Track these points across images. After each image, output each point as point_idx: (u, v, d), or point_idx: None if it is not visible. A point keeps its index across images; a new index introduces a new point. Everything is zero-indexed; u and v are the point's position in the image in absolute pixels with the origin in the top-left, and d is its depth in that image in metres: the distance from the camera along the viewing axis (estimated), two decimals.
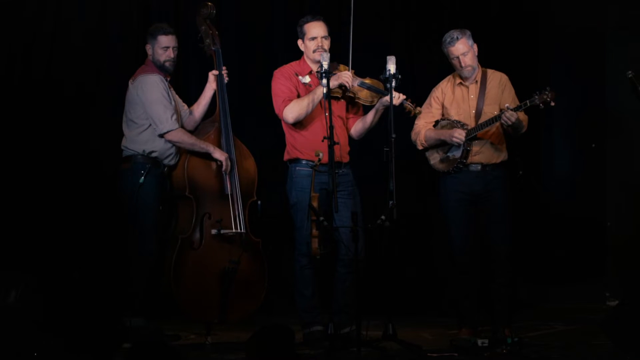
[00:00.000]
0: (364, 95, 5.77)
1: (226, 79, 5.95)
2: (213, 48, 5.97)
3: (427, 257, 7.30)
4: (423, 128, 5.88)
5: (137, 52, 6.29)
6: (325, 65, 5.38)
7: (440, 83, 5.98)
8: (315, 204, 5.35)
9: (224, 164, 5.77)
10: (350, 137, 5.88)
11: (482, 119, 5.72)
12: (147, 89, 5.65)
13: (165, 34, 5.77)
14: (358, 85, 5.74)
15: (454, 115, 5.82)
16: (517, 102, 5.74)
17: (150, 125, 5.68)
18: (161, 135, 5.66)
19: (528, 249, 7.03)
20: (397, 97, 5.54)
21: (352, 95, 5.75)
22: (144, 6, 6.90)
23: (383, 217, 5.21)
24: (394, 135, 5.28)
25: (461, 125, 5.71)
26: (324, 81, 5.38)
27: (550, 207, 7.40)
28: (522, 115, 5.65)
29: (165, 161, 5.73)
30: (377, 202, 5.82)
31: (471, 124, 5.75)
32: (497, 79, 5.86)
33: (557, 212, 7.39)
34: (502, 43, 7.25)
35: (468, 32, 5.79)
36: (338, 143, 5.43)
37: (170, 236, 5.75)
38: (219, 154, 5.78)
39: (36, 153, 6.49)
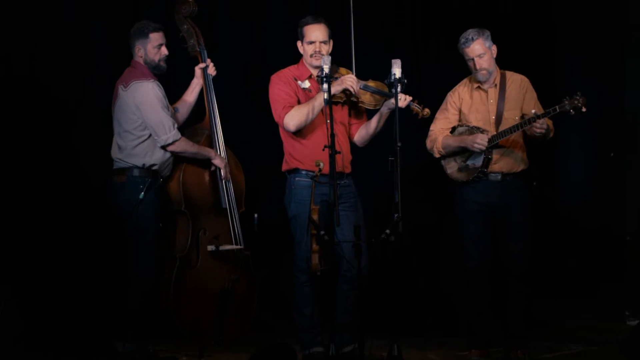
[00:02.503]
0: (367, 99, 5.87)
1: (213, 73, 6.04)
2: (198, 49, 6.06)
3: (435, 274, 7.36)
4: (440, 134, 5.97)
5: (126, 53, 6.32)
6: (326, 69, 5.44)
7: (457, 87, 6.07)
8: (315, 217, 5.43)
9: (222, 172, 5.88)
10: (353, 145, 5.98)
11: (503, 125, 5.82)
12: (144, 98, 5.70)
13: (157, 30, 5.85)
14: (361, 89, 5.84)
15: (472, 121, 5.92)
16: (540, 106, 5.83)
17: (149, 136, 5.75)
18: (164, 147, 5.74)
19: (542, 262, 7.10)
20: (403, 99, 5.63)
21: (355, 99, 5.85)
22: (133, 4, 6.93)
23: (388, 231, 5.25)
24: (399, 144, 5.32)
25: (481, 132, 5.82)
26: (325, 86, 5.43)
27: (566, 218, 7.45)
28: (547, 121, 5.76)
29: (164, 172, 5.84)
30: (381, 215, 5.94)
31: (491, 130, 5.85)
32: (518, 82, 5.96)
33: (573, 224, 7.40)
34: (515, 43, 7.25)
35: (487, 33, 5.90)
36: (340, 152, 5.50)
37: (168, 255, 5.84)
38: (218, 161, 5.91)
39: (16, 160, 6.49)
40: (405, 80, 5.46)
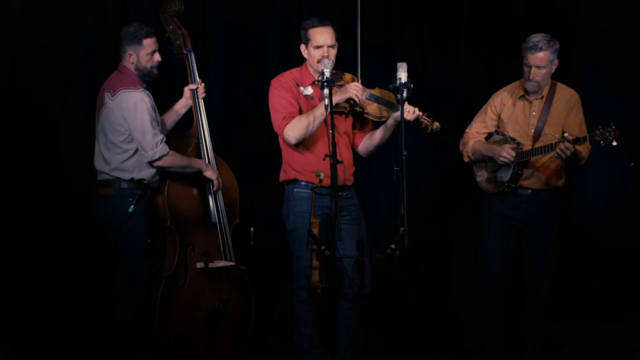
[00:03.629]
0: (372, 110, 5.85)
1: (202, 95, 6.03)
2: (184, 51, 6.04)
3: (444, 291, 7.30)
4: (473, 138, 5.99)
5: (113, 58, 6.32)
6: (327, 73, 5.42)
7: (502, 91, 6.07)
8: (315, 231, 5.42)
9: (215, 184, 5.87)
10: (356, 155, 5.98)
11: (541, 141, 5.82)
12: (133, 110, 5.68)
13: (150, 35, 5.84)
14: (366, 98, 5.82)
15: (509, 131, 5.93)
16: (584, 127, 5.81)
17: (137, 150, 5.72)
18: (150, 163, 5.72)
19: (560, 281, 7.08)
20: (412, 112, 5.63)
21: (360, 109, 5.83)
22: (120, 5, 6.91)
23: (393, 246, 5.24)
24: (405, 153, 5.30)
25: (516, 143, 5.80)
26: (326, 91, 5.41)
27: (584, 234, 7.42)
28: (583, 148, 5.76)
29: (153, 185, 5.82)
30: (385, 228, 5.93)
31: (527, 144, 5.85)
32: (566, 97, 5.96)
33: (592, 240, 7.40)
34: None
35: (557, 46, 5.90)
36: (342, 162, 5.47)
37: (154, 274, 5.82)
38: (210, 172, 5.90)
39: None
40: (412, 85, 5.44)
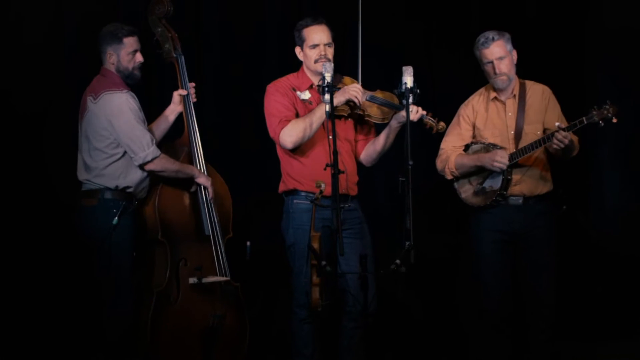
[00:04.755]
0: (374, 112, 5.87)
1: (194, 99, 6.04)
2: (174, 55, 6.05)
3: (451, 309, 7.32)
4: (452, 153, 5.97)
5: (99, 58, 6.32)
6: (328, 77, 5.42)
7: (471, 98, 6.08)
8: (316, 245, 5.41)
9: (209, 190, 5.86)
10: (359, 164, 5.99)
11: (523, 141, 5.82)
12: (118, 111, 5.68)
13: (131, 34, 5.85)
14: (367, 100, 5.83)
15: (488, 137, 5.93)
16: (564, 119, 5.83)
17: (123, 155, 5.73)
18: (141, 166, 5.72)
19: (571, 299, 7.08)
20: (415, 112, 5.64)
21: (361, 112, 5.84)
22: (109, 4, 6.90)
23: (398, 261, 5.21)
24: (411, 162, 5.29)
25: (499, 149, 5.80)
26: (327, 97, 5.41)
27: (601, 248, 7.42)
28: (572, 136, 5.74)
29: (139, 195, 5.83)
30: (390, 242, 5.92)
31: (510, 147, 5.85)
32: (539, 93, 5.97)
33: (609, 255, 7.40)
34: (541, 48, 7.29)
35: (507, 35, 5.92)
36: (344, 172, 5.45)
37: (143, 290, 5.83)
38: (203, 179, 5.91)
39: None
40: (418, 91, 5.44)
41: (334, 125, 5.44)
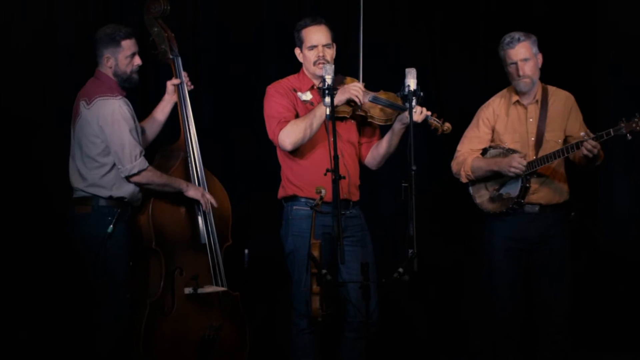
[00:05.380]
0: (377, 114, 5.85)
1: (190, 87, 6.03)
2: (171, 56, 6.05)
3: (457, 319, 7.35)
4: (469, 156, 5.97)
5: (94, 62, 6.31)
6: (329, 79, 5.42)
7: (491, 100, 6.08)
8: (316, 253, 5.38)
9: (202, 203, 5.86)
10: (363, 168, 5.97)
11: (544, 149, 5.83)
12: (110, 119, 5.66)
13: (129, 37, 5.82)
14: (370, 101, 5.83)
15: (508, 142, 5.93)
16: (586, 129, 5.82)
17: (114, 165, 5.71)
18: (127, 178, 5.71)
19: (582, 308, 7.06)
20: (419, 112, 5.63)
21: (363, 114, 5.84)
22: (101, 3, 6.91)
23: (401, 269, 5.19)
24: (414, 167, 5.28)
25: (523, 156, 5.80)
26: (327, 100, 5.41)
27: (611, 255, 7.41)
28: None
29: (134, 203, 5.82)
30: (393, 250, 5.92)
31: (529, 154, 5.85)
32: (562, 99, 5.98)
33: (619, 262, 7.39)
34: (550, 50, 7.26)
35: (534, 38, 5.94)
36: (345, 177, 5.46)
37: (137, 300, 5.81)
38: (193, 192, 5.89)
39: None
40: (422, 93, 5.44)
41: (335, 130, 5.43)
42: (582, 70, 7.43)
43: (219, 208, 5.98)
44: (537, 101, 5.97)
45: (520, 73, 5.89)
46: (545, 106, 5.94)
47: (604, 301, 7.39)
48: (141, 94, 6.50)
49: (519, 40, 5.89)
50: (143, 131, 5.98)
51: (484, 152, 6.00)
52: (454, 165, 6.08)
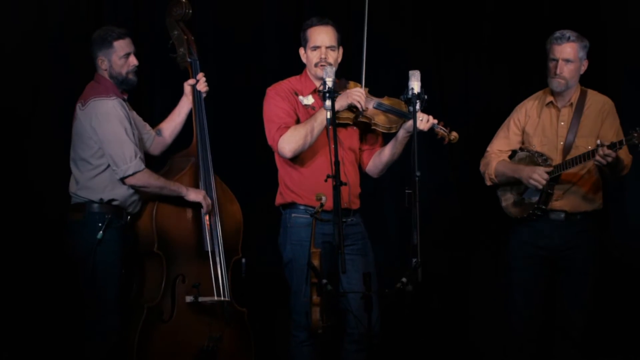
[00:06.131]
0: (381, 120, 5.84)
1: (204, 89, 6.07)
2: (189, 59, 6.11)
3: (463, 331, 7.35)
4: (495, 158, 5.98)
5: (87, 63, 6.32)
6: (329, 82, 5.41)
7: (526, 101, 6.09)
8: (316, 262, 5.39)
9: (203, 205, 5.86)
10: (364, 175, 5.98)
11: (572, 154, 5.83)
12: (103, 119, 5.69)
13: (122, 37, 5.86)
14: (374, 108, 5.83)
15: (536, 145, 5.94)
16: (622, 136, 5.81)
17: (109, 166, 5.74)
18: (122, 179, 5.73)
19: (594, 320, 7.06)
20: (426, 121, 5.62)
21: (366, 120, 5.83)
22: (94, 2, 6.93)
23: (404, 279, 5.17)
24: (418, 174, 5.24)
25: (544, 160, 5.80)
26: (328, 103, 5.40)
27: (623, 266, 7.39)
28: (624, 155, 5.77)
29: (129, 209, 5.83)
30: (396, 259, 5.91)
31: (556, 159, 5.85)
32: (599, 104, 5.97)
33: (632, 274, 7.39)
34: None
35: (586, 42, 5.94)
36: (346, 184, 5.45)
37: (133, 304, 5.82)
38: (194, 195, 5.90)
39: None
40: (426, 96, 5.41)
41: (336, 132, 5.42)
42: (593, 73, 7.38)
43: (229, 219, 6.00)
44: (571, 104, 5.97)
45: (558, 72, 5.89)
46: (580, 111, 5.94)
47: (618, 313, 7.38)
48: (147, 97, 6.51)
49: (568, 39, 5.88)
50: (158, 134, 6.05)
51: (513, 154, 6.02)
52: (482, 166, 6.12)
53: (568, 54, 5.88)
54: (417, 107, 5.40)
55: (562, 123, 5.94)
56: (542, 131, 5.98)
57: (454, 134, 5.77)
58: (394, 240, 6.88)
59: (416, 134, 5.36)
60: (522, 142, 6.04)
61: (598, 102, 5.99)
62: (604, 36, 7.45)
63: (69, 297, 5.90)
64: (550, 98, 5.99)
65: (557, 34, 5.92)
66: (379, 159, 5.95)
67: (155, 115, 6.47)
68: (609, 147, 5.61)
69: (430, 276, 5.46)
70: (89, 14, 6.85)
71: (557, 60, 5.89)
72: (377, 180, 6.12)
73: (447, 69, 7.45)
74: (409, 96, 5.40)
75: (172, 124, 6.13)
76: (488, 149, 6.09)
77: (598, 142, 5.66)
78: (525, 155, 5.95)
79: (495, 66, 7.13)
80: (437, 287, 6.98)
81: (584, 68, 5.97)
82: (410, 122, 5.57)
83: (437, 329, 7.24)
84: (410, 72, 5.41)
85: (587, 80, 6.98)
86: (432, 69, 7.30)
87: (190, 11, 6.10)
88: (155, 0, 6.74)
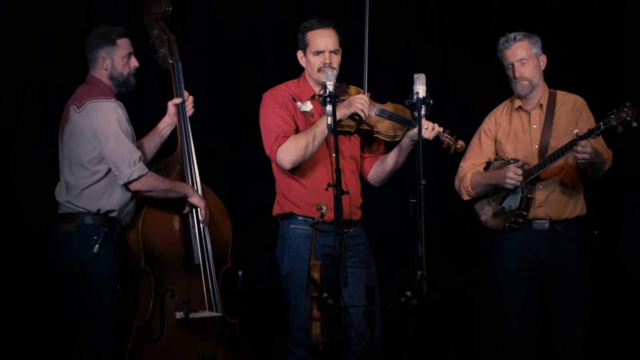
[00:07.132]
0: (384, 128, 5.85)
1: (190, 111, 6.04)
2: (170, 61, 6.06)
3: (470, 347, 7.36)
4: (469, 171, 5.97)
5: (75, 64, 6.31)
6: (330, 86, 5.41)
7: (495, 110, 6.09)
8: (316, 275, 5.38)
9: (202, 212, 5.85)
10: (365, 184, 5.98)
11: None
12: (104, 122, 5.64)
13: (124, 35, 5.83)
14: (376, 115, 5.83)
15: (510, 152, 5.93)
16: (601, 136, 5.78)
17: (107, 173, 5.69)
18: (126, 184, 5.69)
19: (604, 335, 7.05)
20: (431, 129, 5.63)
21: (369, 128, 5.83)
22: (82, 3, 6.93)
23: (409, 292, 5.18)
24: (423, 182, 5.24)
25: (520, 165, 5.79)
26: (328, 108, 5.39)
27: (637, 279, 7.40)
28: (600, 146, 5.74)
29: (123, 221, 5.81)
30: (400, 272, 5.91)
31: (533, 163, 5.83)
32: (570, 103, 5.96)
33: None
34: (569, 50, 7.28)
35: (536, 38, 5.93)
36: (347, 193, 5.44)
37: (123, 323, 5.79)
38: (197, 199, 5.89)
39: None
40: (431, 101, 5.41)
41: (337, 141, 5.40)
42: (607, 73, 7.39)
43: (218, 229, 5.99)
44: (540, 106, 5.96)
45: (517, 75, 5.89)
46: (552, 111, 5.93)
47: (633, 330, 7.39)
48: (135, 104, 6.51)
49: (514, 39, 5.89)
50: (141, 147, 5.96)
51: (487, 165, 6.00)
52: (456, 182, 6.09)
53: (520, 54, 5.89)
54: (423, 112, 5.38)
55: (535, 126, 5.94)
56: (515, 137, 5.97)
57: (461, 143, 5.78)
58: (397, 252, 6.87)
59: (421, 139, 5.34)
60: (496, 152, 6.03)
61: (569, 101, 5.98)
62: (621, 36, 7.45)
63: (58, 313, 5.88)
64: (518, 103, 5.99)
65: (502, 39, 5.93)
66: (381, 167, 5.95)
67: (147, 122, 6.42)
68: (585, 135, 5.56)
69: (436, 289, 5.44)
70: (77, 16, 6.85)
71: (512, 64, 5.90)
72: (381, 189, 6.11)
73: (454, 71, 7.48)
74: (414, 101, 5.38)
75: (152, 145, 6.05)
76: (461, 164, 6.07)
77: (575, 131, 5.61)
78: (500, 163, 5.93)
79: (504, 72, 7.14)
80: (443, 301, 6.97)
81: (543, 64, 5.97)
82: (415, 130, 5.53)
83: (442, 344, 7.23)
84: (415, 76, 5.41)
85: (602, 81, 7.02)
86: (439, 71, 7.34)
87: (170, 8, 6.05)
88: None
